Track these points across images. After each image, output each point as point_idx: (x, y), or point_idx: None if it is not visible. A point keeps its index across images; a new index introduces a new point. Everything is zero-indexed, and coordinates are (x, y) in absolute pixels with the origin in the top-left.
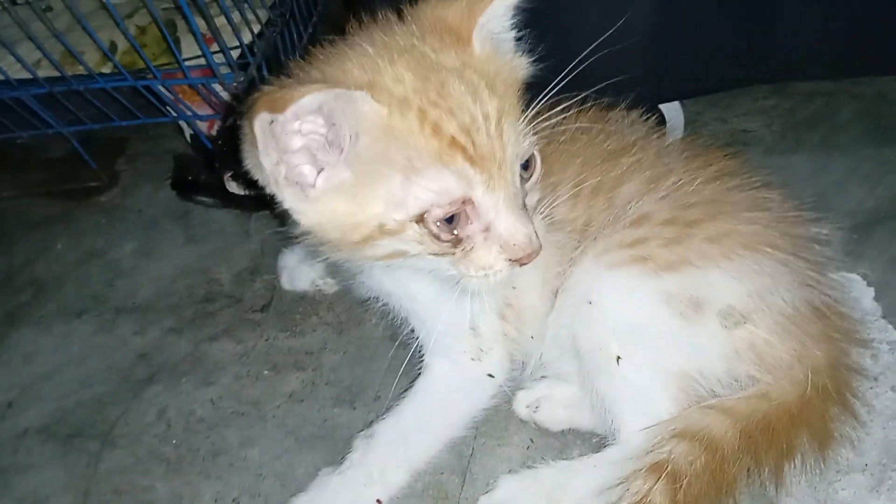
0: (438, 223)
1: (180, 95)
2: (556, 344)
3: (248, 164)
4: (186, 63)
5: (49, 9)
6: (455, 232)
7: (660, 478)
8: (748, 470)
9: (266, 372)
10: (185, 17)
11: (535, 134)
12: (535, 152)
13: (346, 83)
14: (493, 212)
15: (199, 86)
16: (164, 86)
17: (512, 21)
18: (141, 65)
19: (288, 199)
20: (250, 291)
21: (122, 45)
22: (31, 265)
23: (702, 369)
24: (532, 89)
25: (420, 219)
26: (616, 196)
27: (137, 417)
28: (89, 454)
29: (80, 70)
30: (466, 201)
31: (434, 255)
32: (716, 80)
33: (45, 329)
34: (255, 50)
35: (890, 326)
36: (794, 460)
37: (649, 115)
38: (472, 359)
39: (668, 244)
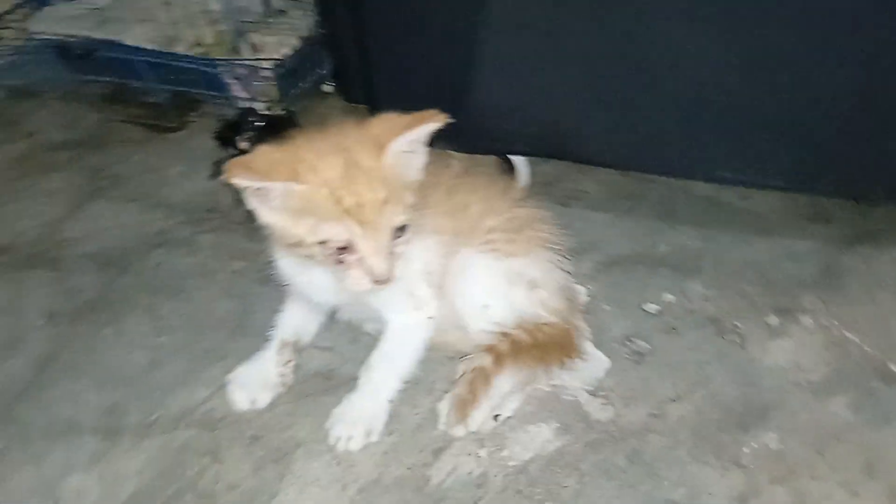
0: (332, 248)
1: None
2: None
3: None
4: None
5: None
6: (342, 256)
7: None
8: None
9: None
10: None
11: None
12: (408, 223)
13: (296, 164)
14: (364, 251)
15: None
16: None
17: (422, 142)
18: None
19: (253, 202)
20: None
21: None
22: (112, 166)
23: (523, 308)
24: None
25: (323, 243)
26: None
27: None
28: None
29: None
30: (351, 242)
31: (328, 262)
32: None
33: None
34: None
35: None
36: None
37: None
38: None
39: (508, 242)
